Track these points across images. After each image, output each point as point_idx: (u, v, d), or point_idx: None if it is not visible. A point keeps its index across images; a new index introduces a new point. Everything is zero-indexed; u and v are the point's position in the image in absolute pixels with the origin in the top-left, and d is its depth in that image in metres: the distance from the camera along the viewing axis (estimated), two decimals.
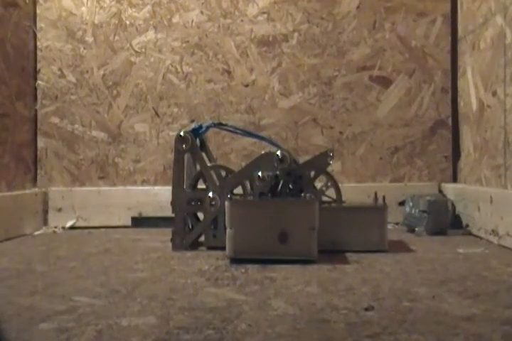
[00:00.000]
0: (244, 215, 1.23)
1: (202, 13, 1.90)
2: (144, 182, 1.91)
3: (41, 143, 1.90)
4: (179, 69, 1.90)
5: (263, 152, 1.41)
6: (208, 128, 1.49)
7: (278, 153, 1.36)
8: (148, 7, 1.91)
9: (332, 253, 1.30)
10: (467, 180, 1.75)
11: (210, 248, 1.39)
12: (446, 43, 1.88)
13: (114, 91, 1.91)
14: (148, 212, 1.87)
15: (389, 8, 1.88)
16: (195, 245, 1.42)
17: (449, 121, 1.88)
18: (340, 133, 1.89)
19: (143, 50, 1.91)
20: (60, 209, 1.88)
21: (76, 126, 1.91)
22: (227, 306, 0.85)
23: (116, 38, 1.91)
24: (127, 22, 1.91)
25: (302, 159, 1.58)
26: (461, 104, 1.83)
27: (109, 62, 1.91)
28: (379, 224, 1.36)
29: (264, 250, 1.21)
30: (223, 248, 1.25)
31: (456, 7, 1.85)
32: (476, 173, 1.66)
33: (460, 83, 1.84)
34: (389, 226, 1.49)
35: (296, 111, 1.89)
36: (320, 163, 1.41)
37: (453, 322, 0.76)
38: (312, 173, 1.40)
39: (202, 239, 1.43)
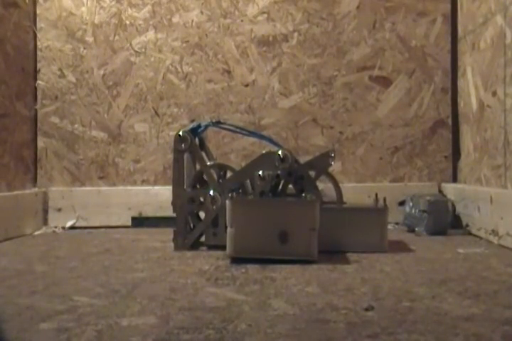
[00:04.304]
0: (245, 214, 1.23)
1: (202, 13, 1.90)
2: (143, 182, 1.91)
3: (41, 143, 1.90)
4: (179, 69, 1.90)
5: (264, 152, 1.41)
6: (206, 127, 1.49)
7: (279, 152, 1.36)
8: (148, 7, 1.91)
9: (332, 253, 1.30)
10: (467, 180, 1.75)
11: (211, 247, 1.39)
12: (446, 43, 1.88)
13: (114, 91, 1.91)
14: (148, 212, 1.87)
15: (389, 8, 1.88)
16: (196, 245, 1.42)
17: (449, 121, 1.88)
18: (340, 133, 1.89)
19: (143, 50, 1.91)
20: (60, 209, 1.88)
21: (76, 126, 1.91)
22: (227, 306, 0.85)
23: (116, 37, 1.91)
24: (127, 22, 1.91)
25: (302, 159, 1.58)
26: (461, 104, 1.83)
27: (109, 62, 1.91)
28: (379, 225, 1.36)
29: (265, 250, 1.21)
30: (223, 247, 1.25)
31: (456, 7, 1.85)
32: (476, 173, 1.66)
33: (460, 83, 1.84)
34: (389, 226, 1.49)
35: (296, 111, 1.89)
36: (321, 163, 1.40)
37: (453, 322, 0.76)
38: (313, 174, 1.40)
39: (202, 239, 1.43)
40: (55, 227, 1.85)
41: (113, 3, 1.91)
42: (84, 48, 1.91)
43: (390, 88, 1.88)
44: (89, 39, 1.91)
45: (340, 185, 1.45)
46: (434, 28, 1.88)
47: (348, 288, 0.96)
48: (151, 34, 1.91)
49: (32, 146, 1.88)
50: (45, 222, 1.87)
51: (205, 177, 1.43)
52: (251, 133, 1.58)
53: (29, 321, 0.78)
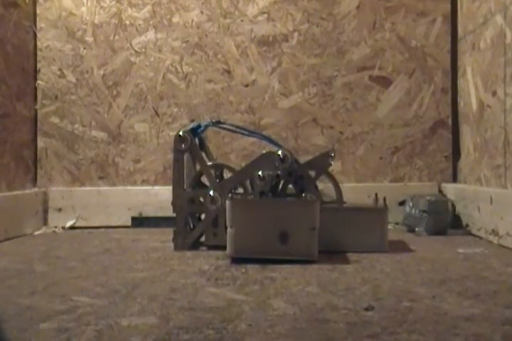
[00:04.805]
0: (245, 214, 1.23)
1: (202, 13, 1.90)
2: (143, 182, 1.91)
3: (41, 143, 1.90)
4: (179, 69, 1.90)
5: (264, 152, 1.41)
6: (206, 127, 1.49)
7: (279, 152, 1.36)
8: (148, 7, 1.91)
9: (332, 253, 1.30)
10: (467, 180, 1.75)
11: (211, 247, 1.39)
12: (446, 43, 1.88)
13: (114, 91, 1.91)
14: (149, 212, 1.87)
15: (389, 8, 1.88)
16: (196, 245, 1.41)
17: (449, 121, 1.88)
18: (341, 133, 1.89)
19: (143, 50, 1.91)
20: (60, 209, 1.88)
21: (76, 126, 1.91)
22: (227, 306, 0.85)
23: (116, 37, 1.91)
24: (127, 22, 1.91)
25: (302, 159, 1.58)
26: (461, 104, 1.83)
27: (109, 62, 1.91)
28: (379, 225, 1.36)
29: (265, 250, 1.21)
30: (223, 247, 1.25)
31: (456, 7, 1.85)
32: (476, 173, 1.66)
33: (460, 83, 1.84)
34: (389, 226, 1.49)
35: (296, 111, 1.89)
36: (321, 163, 1.40)
37: (453, 322, 0.76)
38: (313, 174, 1.40)
39: (202, 239, 1.43)
40: (55, 227, 1.85)
41: (113, 3, 1.91)
42: (84, 48, 1.91)
43: (390, 88, 1.88)
44: (89, 39, 1.91)
45: (340, 185, 1.45)
46: (434, 28, 1.88)
47: (348, 288, 0.96)
48: (151, 34, 1.91)
49: (32, 146, 1.88)
50: (45, 222, 1.87)
51: (203, 177, 1.43)
52: (251, 133, 1.58)
53: (29, 321, 0.78)
